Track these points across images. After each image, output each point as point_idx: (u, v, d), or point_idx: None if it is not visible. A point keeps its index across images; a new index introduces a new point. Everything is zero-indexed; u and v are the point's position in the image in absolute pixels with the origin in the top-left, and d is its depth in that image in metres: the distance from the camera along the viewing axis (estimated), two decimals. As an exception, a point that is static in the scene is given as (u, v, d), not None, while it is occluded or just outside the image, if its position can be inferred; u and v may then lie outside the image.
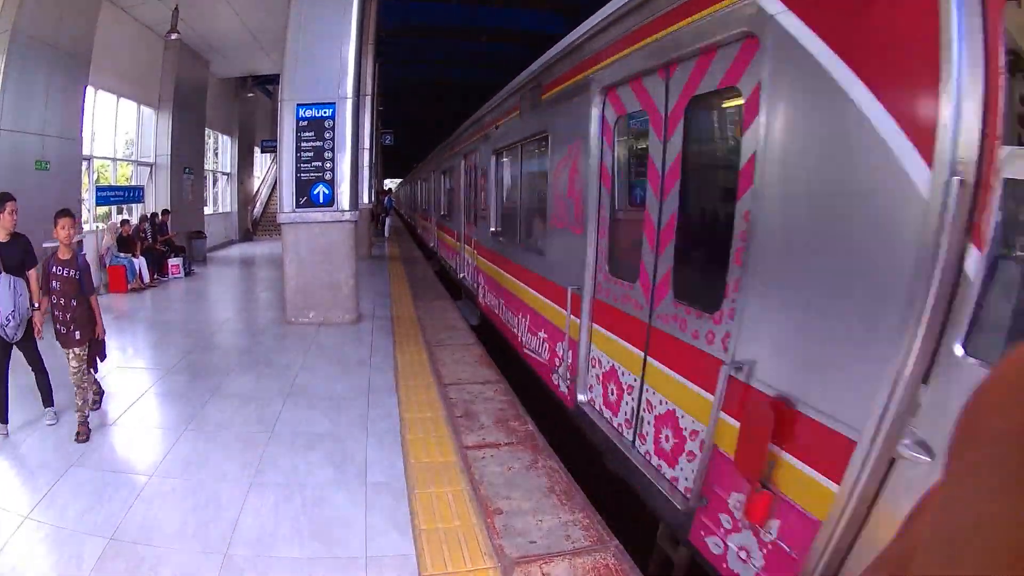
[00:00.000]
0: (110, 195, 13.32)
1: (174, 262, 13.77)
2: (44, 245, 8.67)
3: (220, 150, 22.22)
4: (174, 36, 13.42)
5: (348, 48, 8.57)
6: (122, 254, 11.99)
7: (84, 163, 11.24)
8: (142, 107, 15.09)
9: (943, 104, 1.97)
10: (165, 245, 13.81)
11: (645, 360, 3.98)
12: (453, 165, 13.39)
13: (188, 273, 14.13)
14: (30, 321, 4.89)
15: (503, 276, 8.17)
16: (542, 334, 6.23)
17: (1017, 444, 0.32)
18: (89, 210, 12.39)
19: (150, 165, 15.54)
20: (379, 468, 4.39)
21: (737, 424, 2.89)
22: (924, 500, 0.44)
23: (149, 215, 14.09)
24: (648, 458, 3.91)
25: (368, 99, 17.89)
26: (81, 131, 10.05)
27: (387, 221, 25.49)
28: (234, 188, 22.80)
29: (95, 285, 5.30)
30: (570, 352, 5.19)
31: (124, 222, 12.64)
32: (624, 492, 4.21)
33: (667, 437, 3.67)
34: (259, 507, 3.83)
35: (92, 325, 4.92)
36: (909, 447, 2.09)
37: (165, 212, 14.54)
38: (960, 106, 1.94)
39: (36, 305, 4.90)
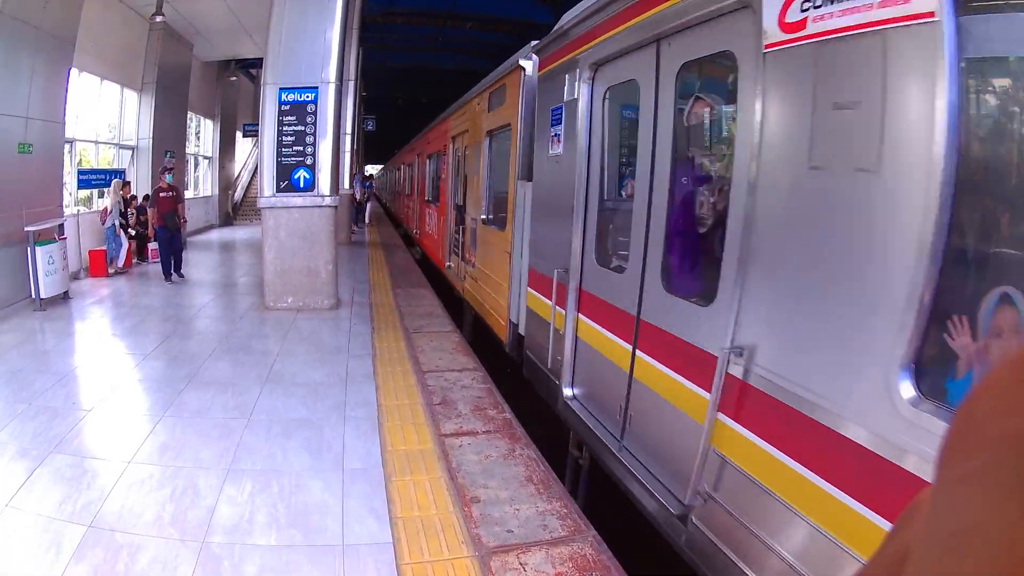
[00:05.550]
0: (92, 178, 13.02)
1: (153, 246, 13.56)
2: (27, 229, 8.55)
3: (202, 134, 21.89)
4: (159, 18, 13.17)
5: (332, 32, 8.51)
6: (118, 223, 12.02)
7: (67, 146, 11.03)
8: (125, 89, 14.79)
9: None
10: (146, 228, 13.59)
11: (474, 241, 8.40)
12: (407, 162, 21.28)
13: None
14: None
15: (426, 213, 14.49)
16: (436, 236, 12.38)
17: (1013, 451, 0.33)
18: (71, 194, 12.17)
19: (132, 148, 15.28)
20: (356, 455, 4.41)
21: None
22: (914, 505, 0.44)
23: (152, 192, 13.78)
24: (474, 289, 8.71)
25: (351, 84, 17.73)
26: (64, 114, 9.84)
27: (367, 207, 25.21)
28: (215, 172, 22.46)
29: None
30: (444, 241, 11.04)
31: (126, 183, 12.75)
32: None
33: (480, 273, 8.23)
34: (236, 495, 3.84)
35: None
36: None
37: (146, 197, 14.29)
38: None
39: None
